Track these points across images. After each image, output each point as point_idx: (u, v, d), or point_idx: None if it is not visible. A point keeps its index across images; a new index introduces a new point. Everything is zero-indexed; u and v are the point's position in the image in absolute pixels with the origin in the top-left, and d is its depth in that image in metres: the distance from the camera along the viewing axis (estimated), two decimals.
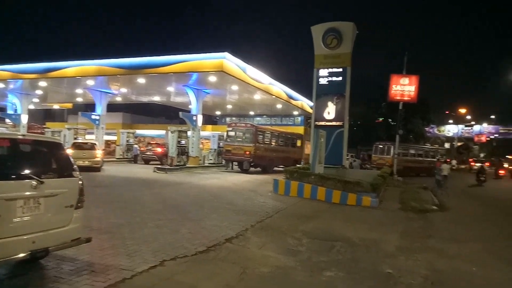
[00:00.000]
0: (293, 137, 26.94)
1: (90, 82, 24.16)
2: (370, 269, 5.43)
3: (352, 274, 5.16)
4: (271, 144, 23.67)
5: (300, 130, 31.98)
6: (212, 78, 20.51)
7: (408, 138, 36.47)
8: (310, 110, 20.58)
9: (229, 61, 19.02)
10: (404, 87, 22.31)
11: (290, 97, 28.25)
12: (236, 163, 22.72)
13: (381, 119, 40.17)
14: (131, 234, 6.36)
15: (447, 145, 60.61)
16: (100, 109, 26.73)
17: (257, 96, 26.06)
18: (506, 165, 33.93)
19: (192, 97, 23.43)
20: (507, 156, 63.37)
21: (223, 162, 24.31)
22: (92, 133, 27.33)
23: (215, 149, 26.34)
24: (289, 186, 12.63)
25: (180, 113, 23.97)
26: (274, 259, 5.64)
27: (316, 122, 16.63)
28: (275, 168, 22.76)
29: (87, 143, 19.22)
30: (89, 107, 27.96)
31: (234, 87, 23.23)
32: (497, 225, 10.00)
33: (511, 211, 13.13)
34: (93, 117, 26.54)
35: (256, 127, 23.09)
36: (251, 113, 36.43)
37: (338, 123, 16.28)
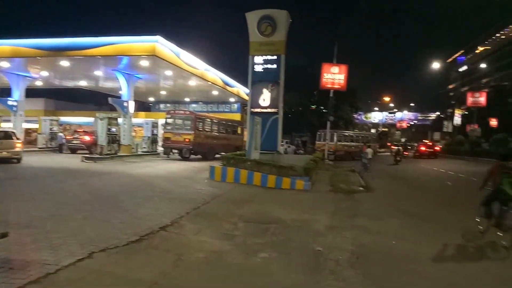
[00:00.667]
0: (233, 124, 27.00)
1: (5, 64, 21.75)
2: (302, 248, 5.69)
3: (285, 254, 5.36)
4: (211, 132, 23.57)
5: (237, 117, 32.12)
6: (144, 63, 19.65)
7: (338, 124, 38.44)
8: (246, 97, 20.72)
9: (162, 45, 18.35)
10: (334, 76, 23.37)
11: (226, 83, 28.17)
12: (176, 151, 22.37)
13: (313, 106, 41.84)
14: (55, 227, 5.94)
15: (373, 131, 65.10)
16: (18, 94, 24.28)
17: (192, 82, 25.57)
18: (423, 148, 37.52)
19: (122, 82, 22.26)
20: (424, 140, 69.77)
21: (159, 150, 23.66)
22: (9, 121, 24.79)
23: (148, 137, 25.42)
24: (226, 173, 12.68)
25: (110, 99, 22.71)
26: (210, 244, 5.65)
27: (252, 109, 16.81)
28: (217, 156, 22.73)
29: (2, 131, 17.39)
30: (5, 91, 25.19)
31: (168, 73, 22.53)
32: (413, 202, 11.01)
33: (424, 188, 14.51)
34: (9, 103, 24.00)
35: (196, 114, 22.79)
36: (187, 99, 35.71)
37: (273, 110, 16.62)
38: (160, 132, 24.69)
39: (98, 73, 23.68)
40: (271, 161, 13.05)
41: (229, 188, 11.29)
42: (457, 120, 53.85)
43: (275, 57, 16.49)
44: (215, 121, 24.52)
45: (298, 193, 11.14)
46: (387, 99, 79.30)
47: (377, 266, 5.06)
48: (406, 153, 36.05)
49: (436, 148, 38.83)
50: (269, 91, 16.56)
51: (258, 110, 16.66)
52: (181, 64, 20.43)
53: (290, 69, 35.44)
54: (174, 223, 6.75)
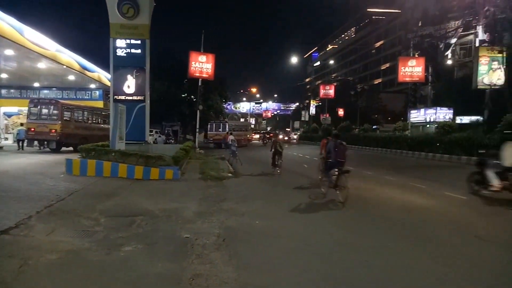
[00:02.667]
0: (107, 113, 24.75)
1: None
2: (169, 237, 5.62)
3: (152, 244, 5.22)
4: (83, 122, 21.83)
5: (99, 104, 29.46)
6: None
7: (208, 114, 38.94)
8: (109, 83, 19.18)
9: None
10: (202, 65, 23.52)
11: (85, 68, 25.44)
12: (37, 144, 20.14)
13: (184, 95, 41.28)
14: None
15: (242, 120, 68.19)
16: None
17: (42, 65, 22.29)
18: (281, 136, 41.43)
19: None
20: (286, 129, 76.52)
21: (3, 143, 20.25)
22: None
23: None
24: (86, 166, 11.55)
25: None
26: (66, 243, 5.10)
27: (116, 96, 15.68)
28: None
29: None
30: None
31: (9, 52, 19.13)
32: (272, 184, 12.00)
33: (285, 171, 15.93)
34: None
35: (62, 103, 20.87)
36: (36, 84, 30.97)
37: (139, 98, 15.82)
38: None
39: None
40: (138, 152, 12.44)
41: (89, 182, 10.33)
42: (313, 110, 60.54)
43: (139, 42, 15.62)
44: (86, 110, 22.75)
45: (168, 183, 10.93)
46: (254, 90, 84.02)
47: (242, 246, 5.35)
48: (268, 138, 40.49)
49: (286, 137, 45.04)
50: (133, 78, 15.66)
51: (123, 97, 15.63)
52: (25, 43, 17.54)
53: (159, 56, 34.35)
54: (21, 224, 5.86)
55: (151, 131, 24.46)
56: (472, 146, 18.82)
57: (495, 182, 8.62)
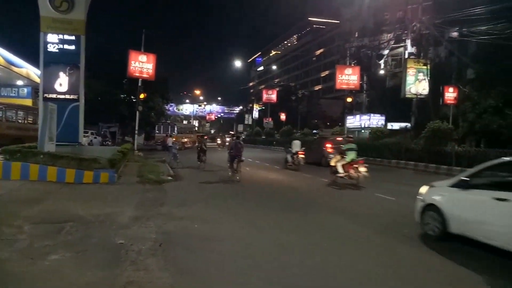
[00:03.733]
0: None
1: None
2: (102, 244, 5.35)
3: (82, 252, 4.93)
4: (16, 122, 20.21)
5: (27, 103, 27.23)
6: None
7: (150, 115, 37.71)
8: (39, 80, 17.81)
9: None
10: (143, 64, 22.78)
11: (10, 63, 23.44)
12: None
13: (123, 96, 39.51)
14: None
15: (185, 122, 67.08)
16: None
17: None
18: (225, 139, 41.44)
19: None
20: (230, 132, 76.39)
21: None
22: None
23: None
24: (9, 169, 10.55)
25: None
26: None
27: (46, 95, 14.61)
28: None
29: None
30: None
31: None
32: (214, 188, 11.97)
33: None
34: None
35: None
36: None
37: (72, 97, 14.90)
38: None
39: None
40: (70, 154, 11.69)
41: (14, 186, 9.49)
42: (256, 114, 61.36)
43: (73, 38, 14.70)
44: (21, 109, 21.14)
45: (103, 187, 10.40)
46: (197, 92, 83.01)
47: (179, 250, 5.24)
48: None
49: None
50: (67, 75, 14.71)
51: (54, 96, 14.63)
52: None
53: (97, 54, 32.53)
54: None
55: (86, 132, 23.14)
56: (400, 150, 20.33)
57: (289, 160, 17.28)
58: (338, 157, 12.62)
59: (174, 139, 19.57)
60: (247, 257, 5.05)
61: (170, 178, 12.89)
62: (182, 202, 8.88)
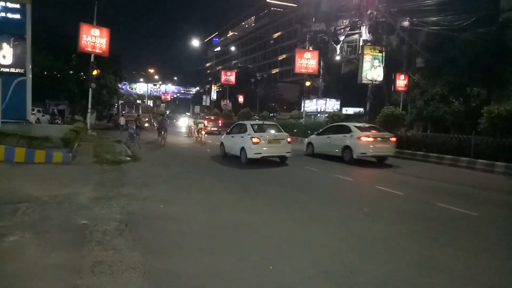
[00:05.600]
0: None
1: None
2: (63, 225, 5.13)
3: (43, 233, 4.71)
4: None
5: None
6: None
7: (101, 93, 35.95)
8: None
9: None
10: (95, 39, 21.52)
11: None
12: None
13: (72, 72, 37.17)
14: None
15: (139, 101, 64.76)
16: None
17: None
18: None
19: None
20: (187, 113, 75.13)
21: None
22: None
23: None
24: None
25: None
26: None
27: None
28: None
29: None
30: None
31: None
32: (176, 168, 11.79)
33: (184, 157, 15.75)
34: None
35: None
36: None
37: (18, 70, 13.86)
38: None
39: None
40: (18, 132, 10.93)
41: None
42: (214, 95, 60.53)
43: (17, 6, 13.58)
44: None
45: (57, 167, 9.89)
46: (152, 70, 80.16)
47: (146, 230, 5.14)
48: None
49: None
50: (11, 47, 13.61)
51: None
52: None
53: (44, 26, 30.16)
54: None
55: (32, 110, 21.63)
56: None
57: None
58: (194, 126, 22.55)
59: (129, 119, 19.11)
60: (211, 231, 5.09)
61: (128, 158, 12.48)
62: (143, 182, 8.60)
